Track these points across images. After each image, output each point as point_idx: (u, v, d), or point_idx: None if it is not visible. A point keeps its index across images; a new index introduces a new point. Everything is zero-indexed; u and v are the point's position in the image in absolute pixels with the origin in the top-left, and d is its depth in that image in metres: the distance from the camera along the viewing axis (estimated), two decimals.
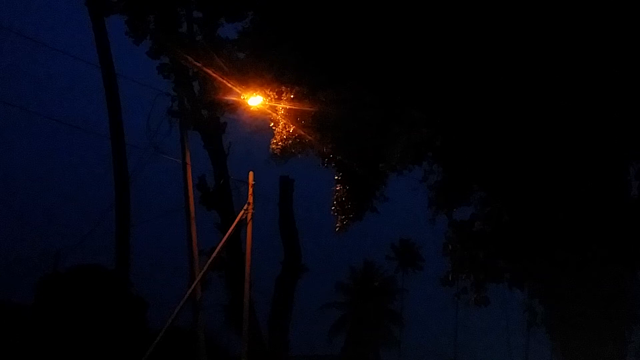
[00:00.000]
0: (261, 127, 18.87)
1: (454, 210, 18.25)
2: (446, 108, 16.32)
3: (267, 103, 17.92)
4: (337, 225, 18.39)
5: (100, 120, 24.19)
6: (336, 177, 18.40)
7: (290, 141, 17.58)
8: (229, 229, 21.50)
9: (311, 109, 17.07)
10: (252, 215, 20.65)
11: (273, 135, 18.08)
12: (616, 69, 15.17)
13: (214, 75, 19.41)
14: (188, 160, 22.73)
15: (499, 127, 16.16)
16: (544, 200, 16.52)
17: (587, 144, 15.92)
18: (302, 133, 17.43)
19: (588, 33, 14.82)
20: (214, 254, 21.52)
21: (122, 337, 22.73)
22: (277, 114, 17.84)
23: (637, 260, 16.80)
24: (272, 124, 18.26)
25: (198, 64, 20.21)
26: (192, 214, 22.47)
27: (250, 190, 20.77)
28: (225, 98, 20.13)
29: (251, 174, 20.97)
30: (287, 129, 17.61)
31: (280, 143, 17.72)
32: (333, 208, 18.49)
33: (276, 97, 17.63)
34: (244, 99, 18.69)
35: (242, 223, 21.16)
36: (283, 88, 17.46)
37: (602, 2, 14.77)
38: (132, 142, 23.69)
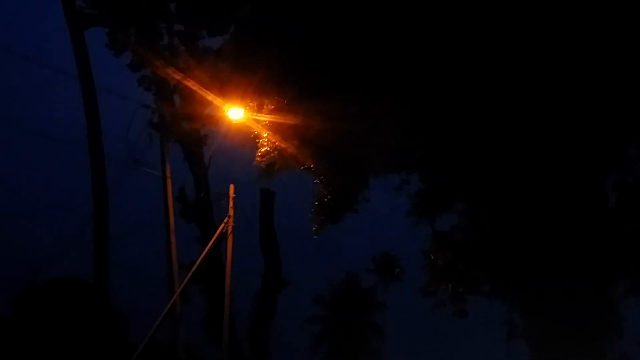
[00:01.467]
0: (242, 139, 18.91)
1: (435, 221, 18.38)
2: (427, 120, 16.47)
3: (248, 116, 17.98)
4: (314, 226, 18.41)
5: (80, 132, 24.03)
6: (316, 181, 18.47)
7: (273, 153, 17.63)
8: (209, 242, 21.41)
9: (292, 121, 17.16)
10: (232, 228, 20.60)
11: (257, 149, 18.12)
12: (596, 85, 15.41)
13: (195, 87, 19.43)
14: (168, 172, 22.66)
15: (479, 137, 16.34)
16: (525, 212, 16.69)
17: (567, 155, 16.13)
18: (284, 144, 17.51)
19: (564, 56, 15.06)
20: (194, 267, 21.41)
21: (101, 351, 22.49)
22: (258, 126, 17.90)
23: (616, 272, 17.00)
24: (254, 137, 18.31)
25: (179, 77, 20.22)
26: (172, 227, 22.36)
27: (231, 203, 20.73)
28: (206, 111, 20.15)
29: (232, 186, 20.94)
30: (271, 142, 17.67)
31: (264, 156, 17.77)
32: (313, 209, 18.53)
33: (257, 108, 17.70)
34: (225, 111, 18.72)
35: (223, 236, 21.10)
36: (264, 100, 17.53)
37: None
38: (112, 154, 23.59)
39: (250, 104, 17.78)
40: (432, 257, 18.04)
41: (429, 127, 16.76)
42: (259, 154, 17.75)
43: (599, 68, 15.22)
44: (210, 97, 18.66)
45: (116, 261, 23.88)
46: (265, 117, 17.67)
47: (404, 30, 15.45)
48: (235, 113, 18.29)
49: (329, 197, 18.17)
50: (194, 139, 23.01)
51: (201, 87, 18.97)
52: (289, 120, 17.13)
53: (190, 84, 19.64)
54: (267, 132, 17.68)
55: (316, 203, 18.39)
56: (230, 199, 20.75)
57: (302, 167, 18.14)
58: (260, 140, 17.80)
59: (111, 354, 22.37)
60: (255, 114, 17.72)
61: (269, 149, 17.59)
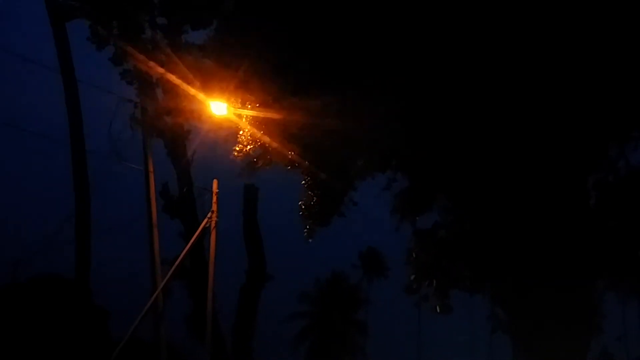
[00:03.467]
0: (226, 134, 18.76)
1: (418, 218, 18.38)
2: (408, 116, 16.43)
3: (231, 111, 17.84)
4: (305, 230, 18.36)
5: (61, 126, 23.76)
6: (303, 182, 18.39)
7: (253, 148, 17.50)
8: (192, 237, 21.28)
9: (276, 117, 17.04)
10: (216, 223, 20.49)
11: (237, 144, 18.00)
12: (578, 84, 15.44)
13: (178, 82, 19.25)
14: (151, 167, 22.46)
15: (462, 136, 16.33)
16: (506, 209, 16.73)
17: (550, 153, 16.17)
18: (267, 140, 17.38)
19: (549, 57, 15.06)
20: (177, 263, 21.27)
21: (84, 347, 22.32)
22: (241, 121, 17.77)
23: (597, 270, 17.11)
24: (238, 132, 18.19)
25: (161, 71, 20.03)
26: (155, 222, 22.19)
27: (215, 198, 20.62)
28: (189, 105, 19.97)
29: (215, 181, 20.83)
30: (252, 137, 17.55)
31: (243, 151, 17.64)
32: (301, 213, 18.47)
33: (240, 104, 17.57)
34: (208, 106, 18.57)
35: (206, 231, 20.98)
36: (247, 95, 17.40)
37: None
38: (93, 148, 23.38)
39: (234, 98, 17.63)
40: (415, 255, 18.04)
41: (413, 124, 16.73)
42: (237, 148, 17.60)
43: (581, 67, 15.26)
44: (193, 91, 18.48)
45: (98, 257, 23.70)
46: (248, 112, 17.53)
47: (389, 28, 15.39)
48: (218, 108, 18.14)
49: (316, 200, 18.10)
50: (176, 134, 22.85)
51: (184, 82, 18.80)
52: (272, 115, 17.01)
53: (173, 78, 19.44)
54: (250, 127, 17.55)
55: (303, 207, 18.31)
56: (214, 194, 20.63)
57: (287, 165, 18.04)
58: (239, 135, 17.65)
59: (93, 350, 22.20)
60: (238, 108, 17.57)
61: (248, 144, 17.46)
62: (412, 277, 17.92)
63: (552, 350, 16.48)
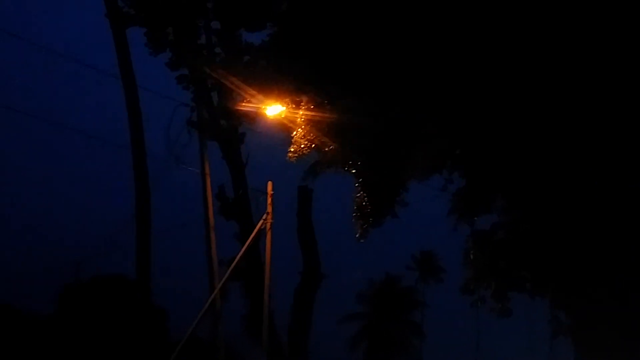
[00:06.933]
0: (280, 136, 18.90)
1: (476, 219, 18.05)
2: (465, 117, 16.19)
3: (286, 113, 17.94)
4: (358, 231, 18.27)
5: (120, 131, 24.40)
6: (356, 184, 18.32)
7: (308, 149, 17.53)
8: (248, 238, 21.50)
9: (330, 118, 17.05)
10: (271, 224, 20.65)
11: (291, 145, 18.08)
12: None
13: (233, 85, 19.51)
14: (207, 170, 22.84)
15: (519, 134, 15.99)
16: (568, 209, 16.26)
17: (614, 150, 15.62)
18: (321, 141, 17.39)
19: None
20: (233, 264, 21.53)
21: (144, 346, 22.81)
22: (295, 123, 17.84)
23: None
24: (292, 134, 18.26)
25: (216, 75, 20.33)
26: (212, 224, 22.53)
27: (269, 199, 20.78)
28: (244, 108, 20.22)
29: (270, 183, 20.99)
30: (306, 138, 17.58)
31: (297, 152, 17.69)
32: (354, 214, 18.38)
33: (294, 106, 17.64)
34: (262, 109, 18.75)
35: (261, 233, 21.17)
36: (302, 98, 17.46)
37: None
38: (152, 152, 23.87)
39: (288, 101, 17.72)
40: (472, 256, 17.71)
41: (469, 124, 16.47)
42: (292, 149, 17.64)
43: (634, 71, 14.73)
44: (248, 94, 18.71)
45: (158, 258, 24.21)
46: (303, 115, 17.60)
47: (446, 27, 15.23)
48: (272, 110, 18.29)
49: (368, 201, 17.98)
50: (231, 137, 23.14)
51: (239, 85, 19.04)
52: (327, 117, 17.03)
53: (228, 81, 19.73)
54: (305, 129, 17.58)
55: (355, 208, 18.21)
56: (269, 196, 20.80)
57: (344, 167, 18.01)
58: (294, 135, 17.68)
59: (153, 349, 22.66)
60: (293, 111, 17.66)
61: (303, 144, 17.48)
62: (470, 278, 17.60)
63: (618, 357, 15.94)
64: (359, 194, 18.15)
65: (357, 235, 18.23)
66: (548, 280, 17.27)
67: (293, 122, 17.93)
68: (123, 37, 23.52)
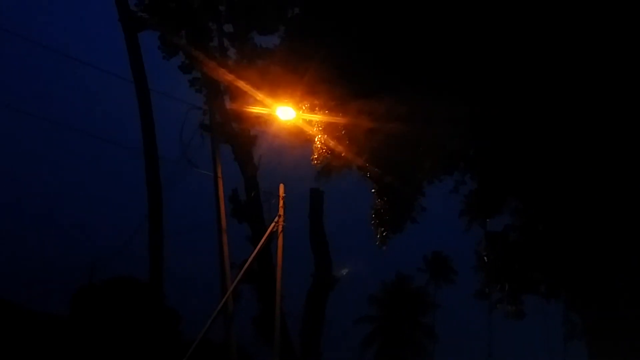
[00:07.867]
0: (292, 139, 18.93)
1: (488, 221, 17.99)
2: (478, 119, 16.15)
3: (298, 116, 17.96)
4: (378, 238, 18.21)
5: (133, 134, 24.51)
6: (373, 190, 18.28)
7: (329, 155, 17.53)
8: (259, 241, 21.53)
9: (342, 122, 17.06)
10: (282, 227, 20.67)
11: (307, 149, 18.11)
12: None
13: (245, 88, 19.56)
14: (219, 173, 22.88)
15: (533, 135, 15.92)
16: (580, 211, 16.17)
17: (628, 152, 15.51)
18: (337, 146, 17.42)
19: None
20: (245, 267, 21.57)
21: (156, 348, 22.90)
22: (310, 127, 17.85)
23: None
24: (307, 139, 18.25)
25: (229, 78, 20.40)
26: (224, 227, 22.58)
27: (281, 202, 20.79)
28: (256, 111, 20.27)
29: (282, 186, 21.01)
30: (326, 144, 17.61)
31: (320, 157, 17.70)
32: (372, 221, 18.31)
33: (307, 109, 17.66)
34: (274, 112, 18.78)
35: (273, 235, 21.19)
36: (314, 100, 17.48)
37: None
38: (165, 155, 23.96)
39: (301, 103, 17.74)
40: (486, 258, 17.63)
41: (481, 125, 16.42)
42: (315, 155, 17.64)
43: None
44: (260, 97, 18.74)
45: (170, 260, 24.30)
46: (315, 117, 17.62)
47: (456, 30, 15.19)
48: (285, 113, 18.33)
49: (386, 206, 17.94)
50: (244, 140, 23.20)
51: (251, 88, 19.09)
52: (339, 120, 17.04)
53: (240, 84, 19.78)
54: (318, 132, 17.60)
55: (373, 214, 18.16)
56: (280, 199, 20.81)
57: (360, 171, 17.98)
58: (316, 141, 17.70)
59: (165, 351, 22.75)
60: (305, 113, 17.68)
61: (323, 150, 17.50)
62: (483, 281, 17.54)
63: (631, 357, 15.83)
64: (377, 201, 18.12)
65: (377, 242, 18.18)
66: (562, 282, 17.17)
67: (306, 125, 17.96)
68: (135, 41, 23.65)
